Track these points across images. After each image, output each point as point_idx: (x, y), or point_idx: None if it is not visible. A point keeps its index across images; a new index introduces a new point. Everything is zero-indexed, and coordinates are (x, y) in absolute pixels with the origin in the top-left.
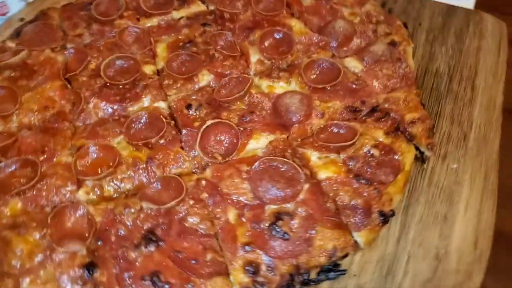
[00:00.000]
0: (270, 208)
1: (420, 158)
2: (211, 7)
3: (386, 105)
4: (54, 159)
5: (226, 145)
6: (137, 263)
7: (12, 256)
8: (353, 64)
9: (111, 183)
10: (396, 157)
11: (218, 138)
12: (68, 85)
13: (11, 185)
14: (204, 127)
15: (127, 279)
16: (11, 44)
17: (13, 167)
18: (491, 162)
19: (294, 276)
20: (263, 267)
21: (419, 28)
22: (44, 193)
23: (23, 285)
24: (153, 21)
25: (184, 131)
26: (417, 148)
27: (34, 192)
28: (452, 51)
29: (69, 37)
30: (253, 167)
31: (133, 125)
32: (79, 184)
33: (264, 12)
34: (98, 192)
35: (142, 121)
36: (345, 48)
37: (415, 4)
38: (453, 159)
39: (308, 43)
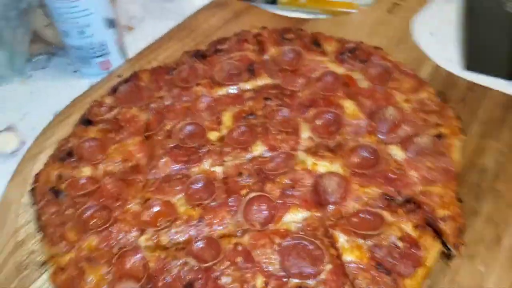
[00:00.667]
0: (293, 281)
1: (447, 255)
2: (276, 81)
3: (420, 198)
4: (125, 207)
5: (265, 214)
6: None
7: (84, 283)
8: (396, 152)
9: (167, 235)
10: (420, 251)
11: (258, 208)
12: (147, 142)
13: (90, 224)
14: (248, 197)
15: None
16: (107, 100)
17: (94, 209)
18: None
19: None
20: None
21: (474, 119)
22: (114, 235)
23: None
24: (224, 91)
25: (232, 197)
26: (444, 244)
27: (106, 234)
28: (504, 147)
29: (153, 98)
30: (284, 241)
31: (192, 185)
32: (142, 231)
33: (322, 92)
34: (155, 241)
35: (199, 184)
36: (392, 135)
37: (477, 91)
38: (481, 262)
39: (357, 126)
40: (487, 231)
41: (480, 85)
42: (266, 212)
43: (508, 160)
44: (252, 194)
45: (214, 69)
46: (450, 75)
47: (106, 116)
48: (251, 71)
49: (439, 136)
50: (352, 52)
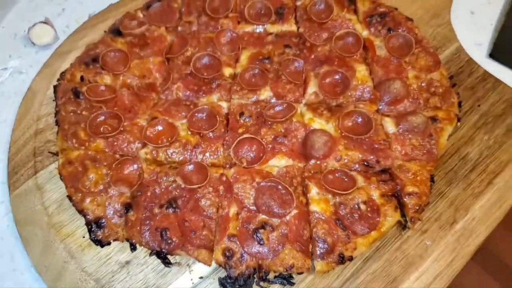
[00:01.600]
0: (261, 217)
1: (402, 225)
2: (301, 29)
3: (396, 171)
4: (135, 120)
5: (253, 155)
6: (157, 217)
7: (86, 179)
8: (388, 125)
9: (164, 153)
10: (379, 218)
11: (249, 148)
12: (166, 63)
13: (101, 129)
14: (242, 137)
15: (146, 225)
16: (140, 15)
17: (106, 116)
18: (462, 255)
19: (256, 271)
20: (237, 256)
21: (476, 109)
22: (119, 143)
23: (86, 201)
24: (249, 28)
25: (229, 133)
26: (403, 215)
27: (113, 140)
28: (492, 142)
29: (182, 22)
30: (263, 181)
31: (196, 114)
32: (144, 145)
33: (340, 51)
34: (154, 156)
35: (203, 114)
36: (392, 107)
37: (488, 83)
38: (431, 237)
39: (361, 91)
40: (446, 213)
41: (494, 77)
42: (254, 153)
43: (491, 154)
44: (246, 135)
45: (246, 5)
46: (470, 60)
47: (135, 31)
48: (280, 15)
49: (434, 118)
50: (382, 18)
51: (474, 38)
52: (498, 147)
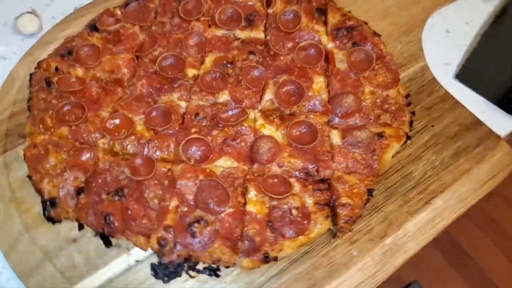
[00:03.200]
0: (199, 211)
1: (333, 233)
2: (268, 37)
3: (334, 182)
4: (98, 112)
5: (201, 154)
6: (104, 202)
7: (46, 162)
8: (335, 137)
9: (120, 145)
10: (308, 224)
11: (198, 147)
12: (135, 60)
13: (66, 117)
14: (190, 137)
15: (93, 208)
16: (118, 12)
17: (72, 106)
18: (387, 268)
19: (186, 260)
20: (170, 245)
21: (429, 129)
22: (81, 132)
23: (44, 182)
24: (218, 32)
25: (182, 131)
26: (335, 224)
27: (76, 129)
28: (439, 163)
29: (156, 21)
30: (206, 180)
31: (153, 111)
32: (103, 135)
33: (301, 62)
34: (111, 146)
35: (160, 111)
36: (342, 121)
37: (447, 104)
38: (359, 248)
39: (315, 103)
40: (379, 226)
41: (454, 99)
42: (202, 153)
43: (435, 175)
44: (194, 135)
45: (218, 10)
46: (433, 80)
47: (110, 28)
48: (250, 21)
49: (381, 135)
50: (349, 31)
51: (445, 57)
52: (443, 168)
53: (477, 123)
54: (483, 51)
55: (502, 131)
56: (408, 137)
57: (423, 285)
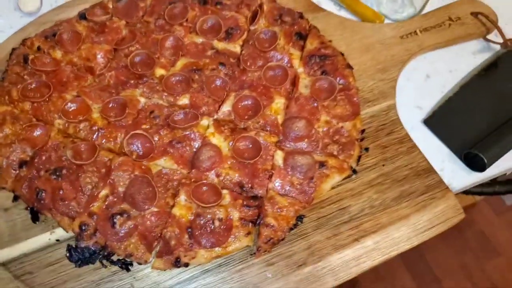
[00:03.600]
0: (125, 204)
1: (252, 252)
2: (243, 52)
3: (265, 202)
4: (63, 94)
5: (144, 151)
6: (40, 179)
7: (1, 129)
8: (278, 158)
9: (74, 128)
10: (230, 238)
11: (142, 144)
12: (112, 52)
13: (31, 94)
14: (135, 131)
15: (28, 183)
16: (110, 5)
17: (40, 84)
18: None
19: (102, 249)
20: (90, 230)
21: (379, 168)
22: (42, 109)
23: None
24: (198, 40)
25: (133, 126)
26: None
27: (38, 106)
28: (378, 204)
29: (142, 20)
30: (139, 176)
31: (111, 104)
32: (60, 116)
33: (266, 81)
34: (65, 127)
35: (116, 104)
36: (290, 143)
37: (403, 147)
38: (274, 271)
39: (268, 122)
40: (300, 254)
41: (412, 143)
42: (144, 149)
43: (372, 214)
44: (139, 131)
45: (201, 18)
46: (396, 120)
47: (97, 19)
48: (229, 34)
49: (323, 164)
50: (322, 60)
51: (418, 101)
52: (382, 209)
53: (429, 171)
54: (458, 101)
55: (457, 184)
56: (354, 171)
57: None
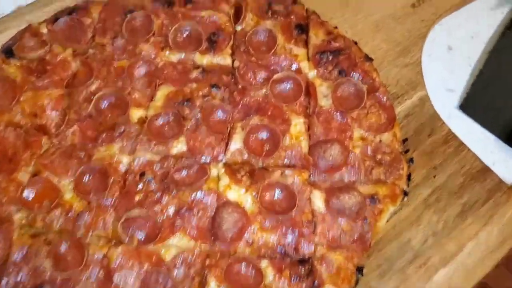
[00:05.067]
0: None
1: None
2: (237, 63)
3: (316, 264)
4: (14, 175)
5: (146, 232)
6: None
7: None
8: (317, 201)
9: (41, 220)
10: None
11: (142, 225)
12: (66, 98)
13: None
14: (129, 215)
15: None
16: (44, 30)
17: None
18: None
19: None
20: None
21: (430, 181)
22: None
23: None
24: (175, 57)
25: (123, 200)
26: None
27: None
28: (441, 227)
29: (94, 43)
30: (152, 270)
31: (85, 176)
32: (19, 208)
33: (276, 99)
34: (30, 221)
35: (92, 173)
36: (325, 177)
37: (450, 148)
38: None
39: (292, 154)
40: None
41: (458, 140)
42: (148, 230)
43: (437, 243)
44: (136, 212)
45: (172, 27)
46: (434, 115)
47: (32, 55)
48: (213, 42)
49: (373, 198)
50: (335, 56)
51: (447, 82)
52: (447, 233)
53: (485, 171)
54: (489, 73)
55: None
56: (405, 193)
57: None
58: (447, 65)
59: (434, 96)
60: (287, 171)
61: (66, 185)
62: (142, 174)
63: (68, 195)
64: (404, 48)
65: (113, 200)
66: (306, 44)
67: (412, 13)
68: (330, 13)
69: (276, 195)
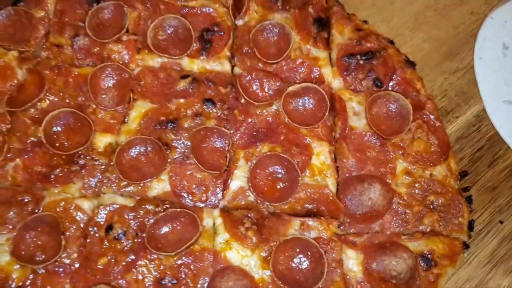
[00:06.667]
0: None
1: None
2: (237, 70)
3: None
4: None
5: None
6: None
7: None
8: (351, 264)
9: None
10: None
11: None
12: (8, 118)
13: None
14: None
15: None
16: None
17: None
18: None
19: None
20: None
21: (496, 228)
22: None
23: None
24: (155, 61)
25: (82, 265)
26: None
27: None
28: None
29: (47, 43)
30: None
31: (30, 229)
32: None
33: (292, 120)
34: None
35: (41, 225)
36: (361, 226)
37: None
38: None
39: (315, 195)
40: None
41: None
42: None
43: None
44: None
45: (152, 23)
46: (494, 137)
47: None
48: (206, 42)
49: (427, 258)
50: (367, 60)
51: (505, 90)
52: None
53: None
54: None
55: None
56: (467, 246)
57: None
58: (503, 70)
59: (493, 111)
60: (310, 222)
61: (2, 244)
62: (110, 227)
63: (2, 259)
64: (450, 48)
65: (68, 266)
66: (328, 44)
67: (459, 3)
68: (357, 2)
69: (296, 260)
